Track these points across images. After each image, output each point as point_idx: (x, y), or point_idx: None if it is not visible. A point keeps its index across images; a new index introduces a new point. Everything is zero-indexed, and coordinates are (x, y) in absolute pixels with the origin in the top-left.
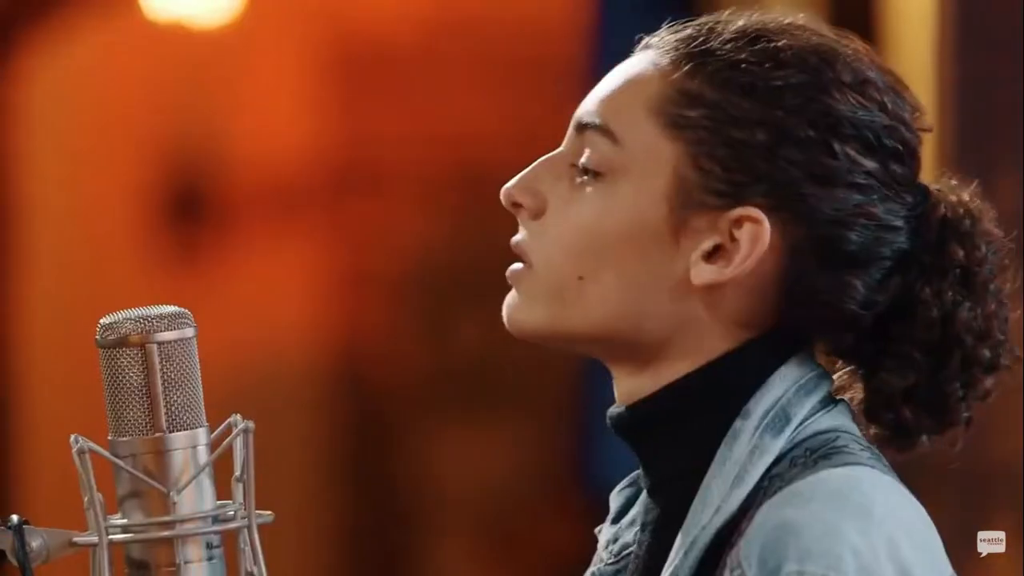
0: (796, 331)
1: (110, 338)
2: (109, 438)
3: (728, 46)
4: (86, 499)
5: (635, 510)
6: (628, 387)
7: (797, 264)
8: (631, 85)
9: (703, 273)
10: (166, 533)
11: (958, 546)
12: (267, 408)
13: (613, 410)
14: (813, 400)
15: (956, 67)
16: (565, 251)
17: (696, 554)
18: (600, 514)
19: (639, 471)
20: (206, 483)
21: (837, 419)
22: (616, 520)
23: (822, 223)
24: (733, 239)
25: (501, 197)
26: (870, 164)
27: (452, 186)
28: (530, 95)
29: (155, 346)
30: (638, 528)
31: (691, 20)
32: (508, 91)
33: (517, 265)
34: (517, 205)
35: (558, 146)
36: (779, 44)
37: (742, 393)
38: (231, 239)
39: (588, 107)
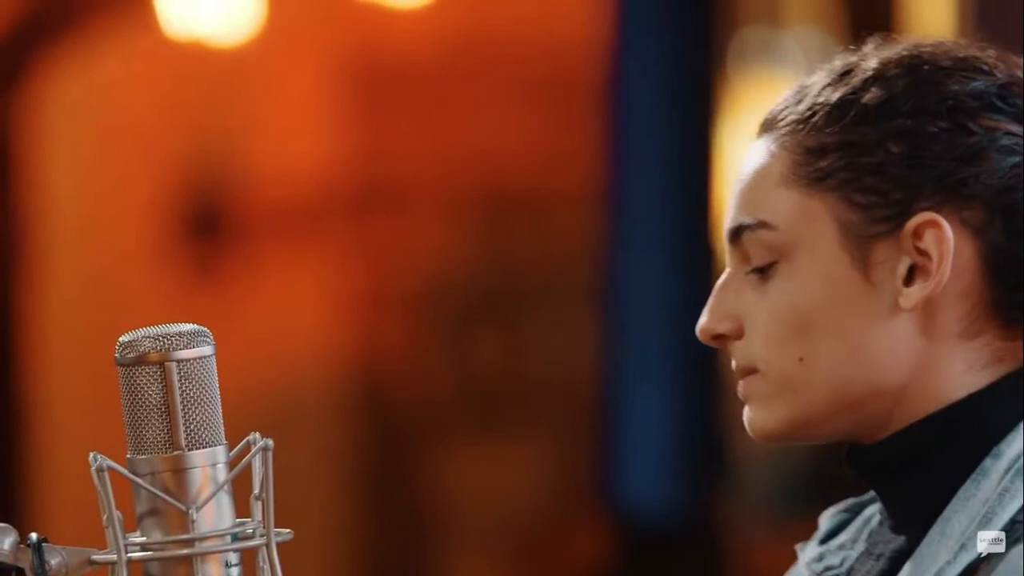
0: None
1: (129, 356)
2: (128, 456)
3: (825, 92)
4: (105, 517)
5: (846, 535)
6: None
7: (988, 245)
8: (757, 176)
9: (911, 296)
10: (185, 551)
11: None
12: (287, 426)
13: (849, 447)
14: None
15: None
16: (777, 343)
17: None
18: (621, 530)
19: (856, 499)
20: (225, 501)
21: None
22: (825, 540)
23: (992, 195)
24: (921, 252)
25: (700, 336)
26: (1007, 125)
27: (472, 204)
28: (551, 114)
29: (174, 364)
30: (850, 553)
31: (779, 102)
32: (528, 110)
33: (741, 382)
34: (719, 336)
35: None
36: (866, 65)
37: (992, 432)
38: (250, 257)
39: (730, 215)
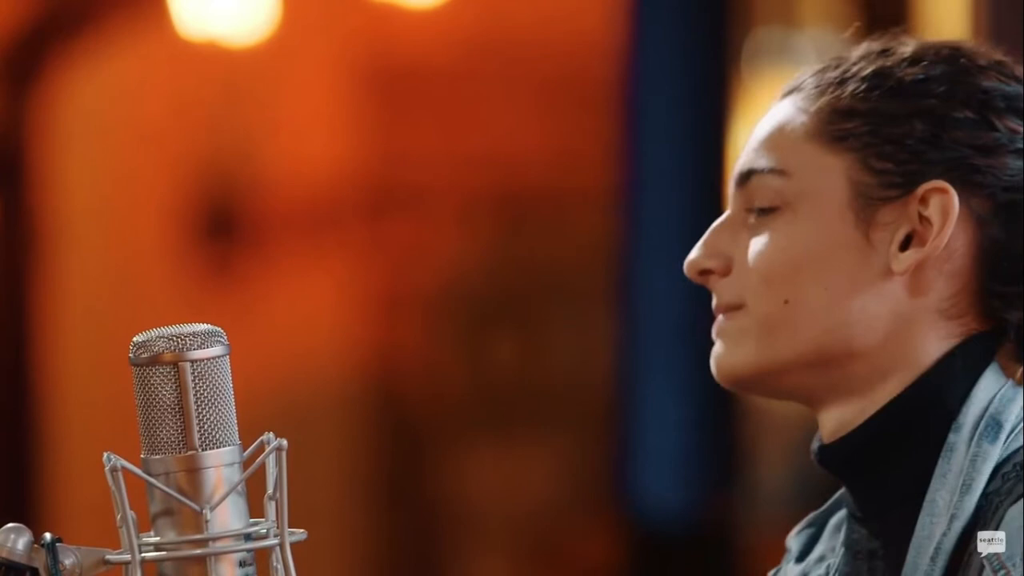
0: (997, 321)
1: (143, 356)
2: (142, 456)
3: (861, 63)
4: (119, 517)
5: (822, 546)
6: (836, 421)
7: (987, 236)
8: (779, 128)
9: (903, 260)
10: (199, 551)
11: None
12: (301, 426)
13: (818, 445)
14: (1016, 408)
15: None
16: (766, 281)
17: (943, 560)
18: (635, 530)
19: (816, 512)
20: (239, 501)
21: None
22: (800, 559)
23: (1000, 191)
24: (923, 220)
25: (687, 270)
26: None
27: (488, 205)
28: (566, 114)
29: (188, 364)
30: (832, 561)
31: (819, 67)
32: (543, 111)
33: (721, 318)
34: (706, 272)
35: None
36: (906, 49)
37: (950, 406)
38: (265, 258)
39: (747, 157)
